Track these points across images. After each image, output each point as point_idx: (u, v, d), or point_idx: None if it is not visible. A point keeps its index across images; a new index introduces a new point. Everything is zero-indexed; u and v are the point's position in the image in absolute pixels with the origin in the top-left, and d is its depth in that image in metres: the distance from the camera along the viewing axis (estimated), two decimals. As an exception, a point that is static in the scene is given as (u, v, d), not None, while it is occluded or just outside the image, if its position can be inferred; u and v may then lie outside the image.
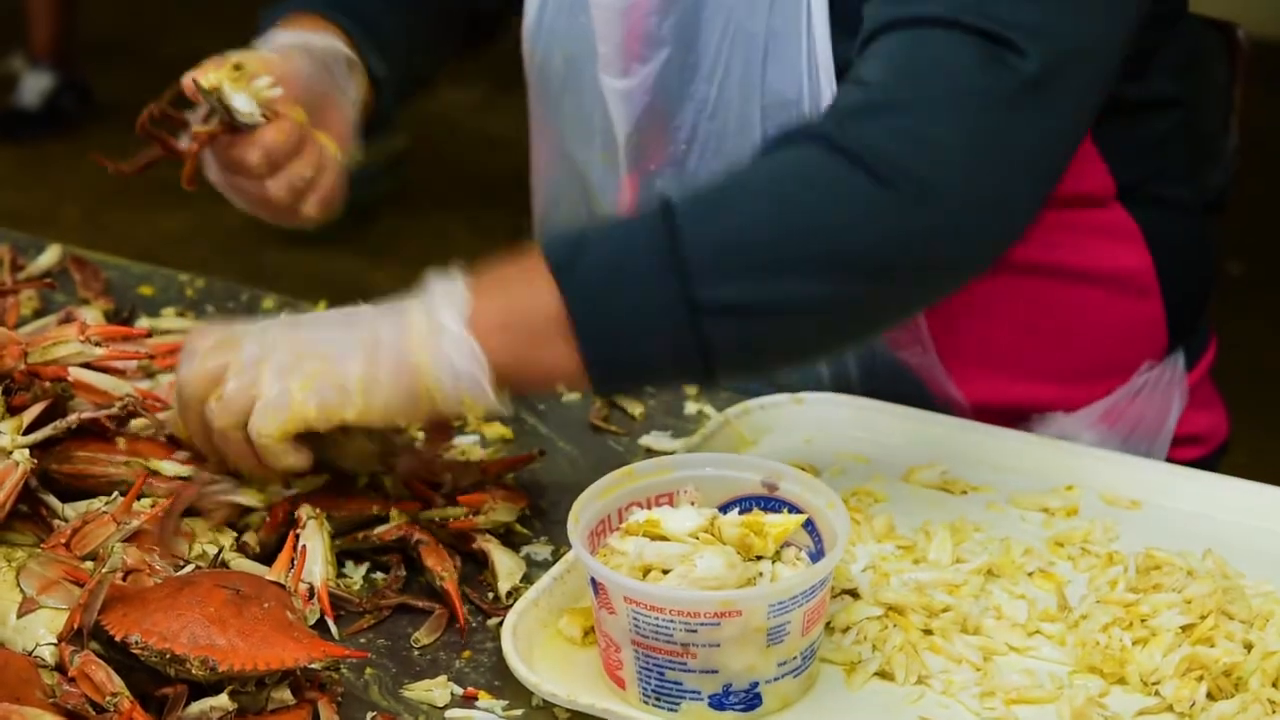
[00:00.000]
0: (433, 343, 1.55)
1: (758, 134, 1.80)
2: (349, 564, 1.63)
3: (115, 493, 1.60)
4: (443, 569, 1.58)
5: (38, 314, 1.97)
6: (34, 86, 5.41)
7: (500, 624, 1.51)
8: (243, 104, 1.75)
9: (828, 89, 1.76)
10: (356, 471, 1.66)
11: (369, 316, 1.59)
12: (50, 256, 2.10)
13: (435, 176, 5.10)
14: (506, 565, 1.60)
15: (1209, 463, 1.95)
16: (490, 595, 1.59)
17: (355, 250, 4.84)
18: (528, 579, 1.59)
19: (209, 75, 1.75)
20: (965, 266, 1.63)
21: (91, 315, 1.93)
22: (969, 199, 1.57)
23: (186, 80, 1.77)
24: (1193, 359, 2.00)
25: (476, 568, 1.63)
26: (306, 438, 1.57)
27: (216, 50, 1.79)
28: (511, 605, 1.54)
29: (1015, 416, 1.87)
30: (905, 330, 1.86)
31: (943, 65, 1.58)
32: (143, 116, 1.79)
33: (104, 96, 5.53)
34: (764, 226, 1.55)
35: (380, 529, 1.62)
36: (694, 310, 1.53)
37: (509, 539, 1.66)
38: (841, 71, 1.74)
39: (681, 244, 1.53)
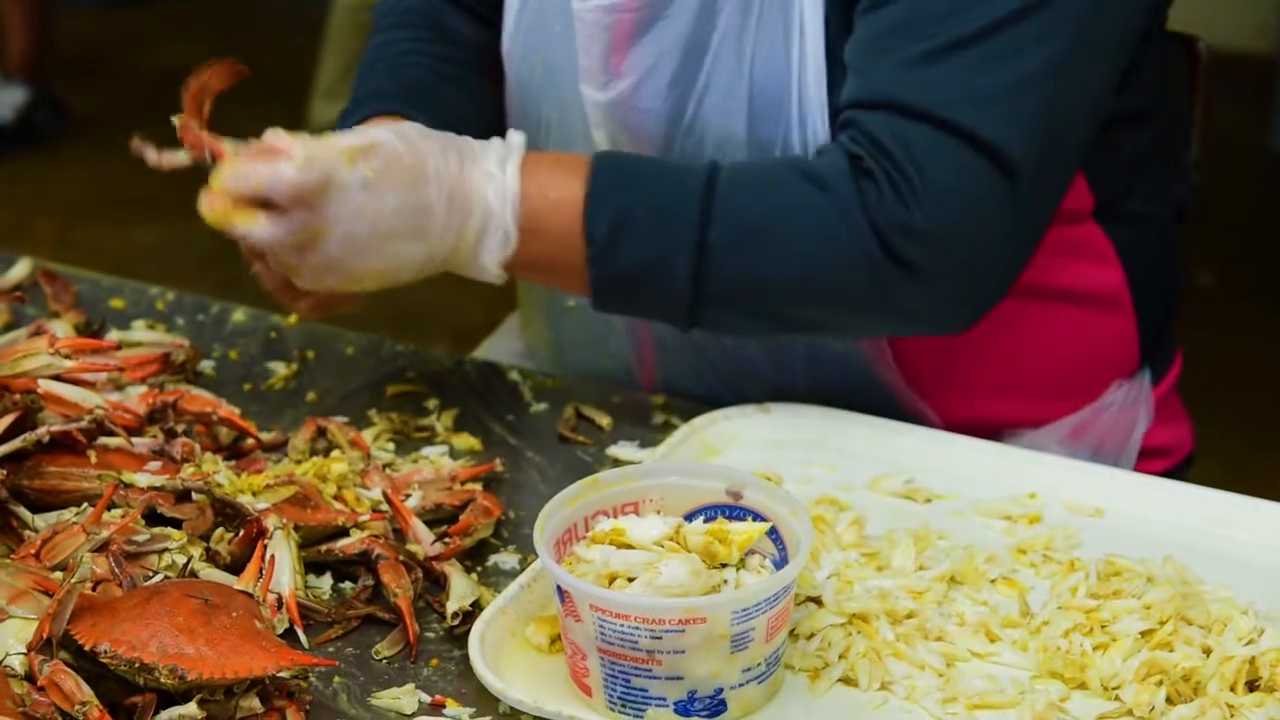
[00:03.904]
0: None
1: (741, 151, 1.82)
2: (313, 574, 1.63)
3: (85, 503, 1.61)
4: (398, 585, 1.58)
5: (8, 328, 1.98)
6: (7, 101, 5.40)
7: (468, 632, 1.52)
8: None
9: (816, 93, 1.78)
10: None
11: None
12: (21, 270, 2.11)
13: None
14: (459, 588, 1.60)
15: (1174, 475, 1.97)
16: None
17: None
18: (477, 604, 1.58)
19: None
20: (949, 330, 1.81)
21: (62, 328, 1.93)
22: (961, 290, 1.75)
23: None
24: (1159, 373, 2.02)
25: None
26: None
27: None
28: (457, 627, 1.55)
29: (985, 433, 1.88)
30: (878, 350, 1.88)
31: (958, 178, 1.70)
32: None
33: (79, 111, 5.53)
34: (782, 279, 1.74)
35: (343, 542, 1.63)
36: (694, 303, 1.76)
37: (478, 547, 1.67)
38: (833, 79, 1.78)
39: (707, 273, 1.74)
